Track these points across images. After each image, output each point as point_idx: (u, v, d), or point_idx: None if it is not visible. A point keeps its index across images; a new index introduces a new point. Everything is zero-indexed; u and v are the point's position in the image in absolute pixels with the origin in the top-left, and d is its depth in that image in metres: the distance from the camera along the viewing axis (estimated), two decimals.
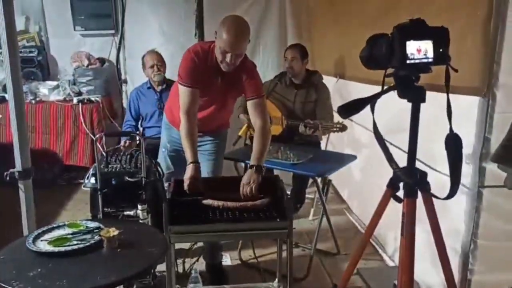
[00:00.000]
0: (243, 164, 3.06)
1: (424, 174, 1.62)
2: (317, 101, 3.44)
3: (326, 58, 4.00)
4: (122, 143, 3.16)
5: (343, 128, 3.02)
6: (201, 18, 4.19)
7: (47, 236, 1.77)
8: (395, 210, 1.71)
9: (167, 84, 3.78)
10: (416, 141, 1.57)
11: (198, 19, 4.20)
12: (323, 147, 3.69)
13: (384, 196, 1.68)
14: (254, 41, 4.45)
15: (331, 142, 3.80)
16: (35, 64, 4.28)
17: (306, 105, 3.46)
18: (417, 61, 1.43)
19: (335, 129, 3.05)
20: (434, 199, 1.64)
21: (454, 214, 2.04)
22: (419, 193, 1.63)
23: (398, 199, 1.65)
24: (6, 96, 3.31)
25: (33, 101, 4.03)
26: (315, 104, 3.45)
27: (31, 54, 4.26)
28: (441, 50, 1.44)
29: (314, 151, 3.08)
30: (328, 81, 3.70)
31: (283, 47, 3.98)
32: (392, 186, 1.65)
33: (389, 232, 2.79)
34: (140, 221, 2.29)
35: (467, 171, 1.93)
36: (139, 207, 2.31)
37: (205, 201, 2.12)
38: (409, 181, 1.59)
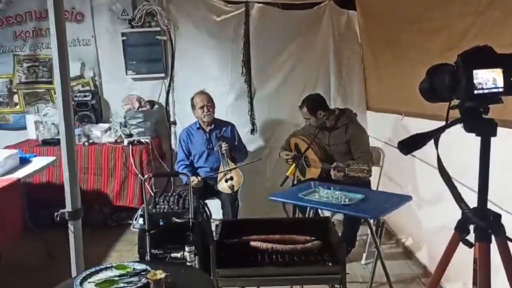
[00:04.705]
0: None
1: (498, 216, 1.45)
2: (350, 140, 3.41)
3: (387, 97, 3.96)
4: (194, 179, 3.50)
5: (368, 172, 2.87)
6: (248, 55, 4.28)
7: (95, 278, 1.74)
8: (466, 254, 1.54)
9: (216, 124, 3.81)
10: (487, 178, 1.42)
11: (245, 57, 4.29)
12: (373, 185, 3.52)
13: (452, 240, 1.52)
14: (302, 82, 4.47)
15: (387, 176, 3.62)
16: (89, 108, 4.44)
17: (339, 146, 3.45)
18: (485, 91, 1.31)
19: (360, 174, 2.86)
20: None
21: None
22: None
23: (469, 244, 1.48)
24: None
25: (86, 143, 4.15)
26: (348, 145, 3.41)
27: (85, 98, 4.43)
28: None
29: (365, 191, 2.93)
30: (390, 118, 3.68)
31: (328, 87, 4.20)
32: (461, 228, 1.49)
33: (459, 280, 2.54)
34: (188, 263, 2.22)
35: None
36: (187, 249, 2.26)
37: (253, 243, 2.03)
38: (481, 224, 1.43)
